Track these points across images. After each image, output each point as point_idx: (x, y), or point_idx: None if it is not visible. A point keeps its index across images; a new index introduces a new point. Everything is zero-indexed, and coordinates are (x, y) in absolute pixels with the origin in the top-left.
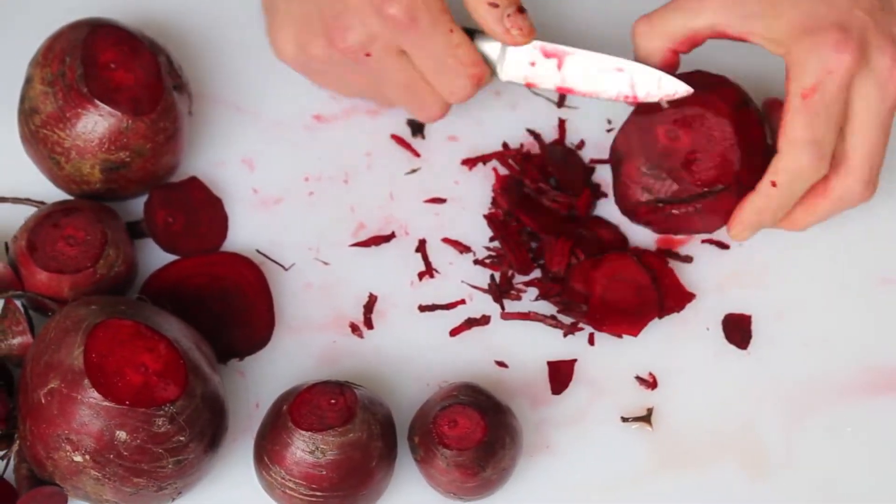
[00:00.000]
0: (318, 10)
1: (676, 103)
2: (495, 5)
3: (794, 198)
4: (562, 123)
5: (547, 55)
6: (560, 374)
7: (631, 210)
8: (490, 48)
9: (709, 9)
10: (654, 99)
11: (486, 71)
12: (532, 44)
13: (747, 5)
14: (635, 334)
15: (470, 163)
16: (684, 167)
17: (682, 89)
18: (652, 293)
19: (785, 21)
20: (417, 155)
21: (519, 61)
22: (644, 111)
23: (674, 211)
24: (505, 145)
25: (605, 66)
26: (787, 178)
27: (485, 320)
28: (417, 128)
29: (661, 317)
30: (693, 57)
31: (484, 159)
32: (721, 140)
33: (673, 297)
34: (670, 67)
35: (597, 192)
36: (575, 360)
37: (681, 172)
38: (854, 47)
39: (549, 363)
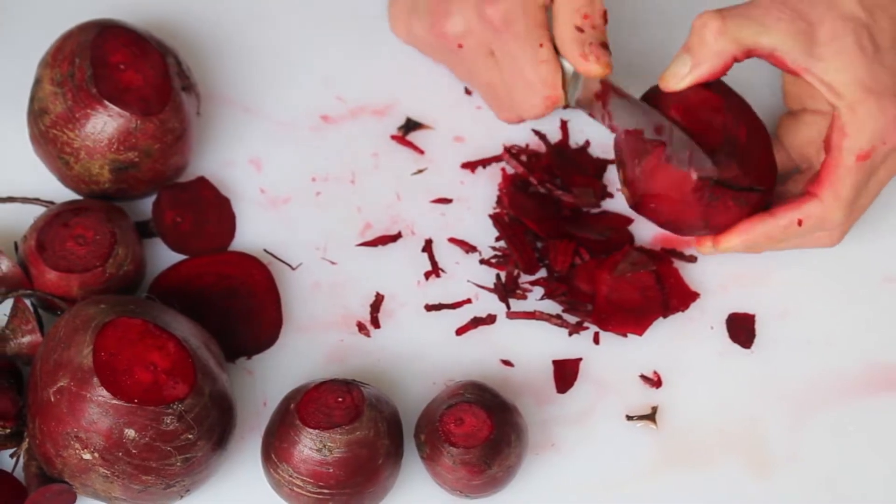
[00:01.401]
0: None
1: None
2: (581, 30)
3: (803, 237)
4: (564, 125)
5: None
6: (565, 373)
7: (641, 196)
8: (569, 72)
9: (779, 31)
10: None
11: (562, 96)
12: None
13: (816, 45)
14: (640, 334)
15: (470, 166)
16: (731, 155)
17: (708, 166)
18: (657, 293)
19: (851, 75)
20: (421, 152)
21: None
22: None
23: (708, 196)
24: (505, 147)
25: (647, 119)
26: (813, 225)
27: (490, 319)
28: (412, 126)
29: (665, 316)
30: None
31: (484, 163)
32: (764, 144)
33: (677, 297)
34: (723, 73)
35: (603, 192)
36: (580, 359)
37: (728, 158)
38: None
39: (555, 362)
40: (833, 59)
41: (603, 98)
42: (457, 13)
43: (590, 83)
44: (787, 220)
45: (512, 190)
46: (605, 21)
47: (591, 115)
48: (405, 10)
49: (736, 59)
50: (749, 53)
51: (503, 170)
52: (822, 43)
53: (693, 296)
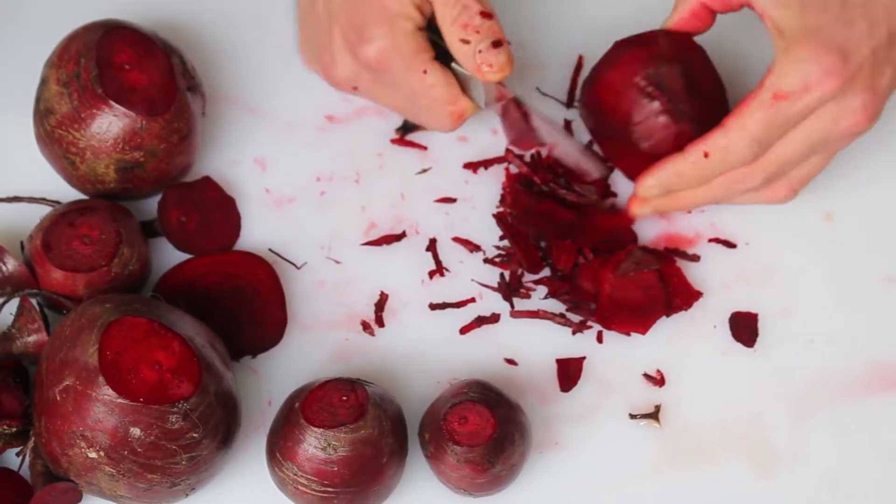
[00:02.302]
0: (315, 38)
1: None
2: (466, 41)
3: (714, 175)
4: (568, 124)
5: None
6: (569, 372)
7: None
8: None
9: None
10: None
11: (466, 105)
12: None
13: None
14: (643, 333)
15: (472, 167)
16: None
17: (596, 174)
18: (660, 292)
19: (801, 21)
20: (424, 148)
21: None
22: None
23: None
24: (508, 150)
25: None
26: (720, 157)
27: (494, 318)
28: (409, 128)
29: (668, 315)
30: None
31: (486, 164)
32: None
33: (681, 296)
34: (702, 23)
35: (606, 191)
36: (584, 358)
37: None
38: (842, 79)
39: (558, 361)
40: (791, 6)
41: (503, 112)
42: (339, 61)
43: (489, 87)
44: (695, 154)
45: (515, 189)
46: (489, 17)
47: (500, 115)
48: (309, 52)
49: (712, 9)
50: (727, 4)
51: (507, 169)
52: None
53: (696, 295)
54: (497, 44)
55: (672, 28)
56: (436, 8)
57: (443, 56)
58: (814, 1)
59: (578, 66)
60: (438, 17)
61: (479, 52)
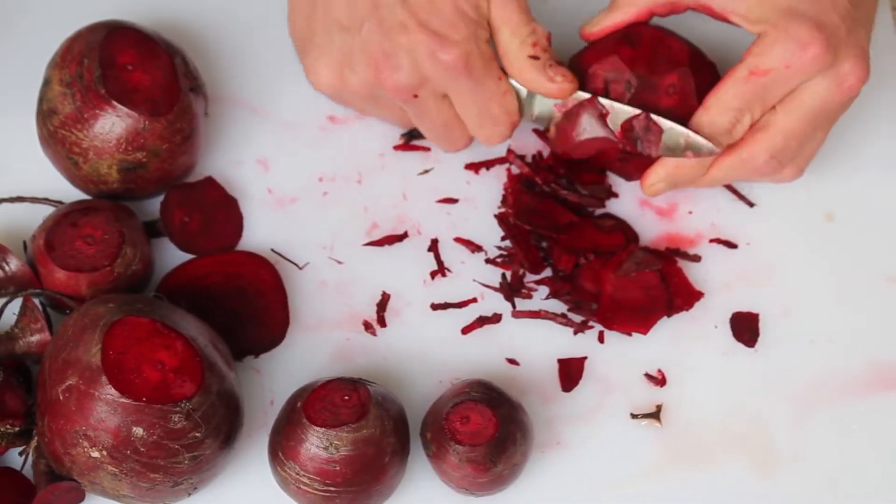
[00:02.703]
0: (363, 46)
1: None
2: (536, 58)
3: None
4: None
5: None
6: (571, 372)
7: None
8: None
9: None
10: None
11: (518, 118)
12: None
13: None
14: (645, 332)
15: (474, 167)
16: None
17: (706, 149)
18: (661, 292)
19: (767, 7)
20: (427, 149)
21: (545, 102)
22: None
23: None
24: (510, 149)
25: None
26: (705, 134)
27: (496, 318)
28: (416, 134)
29: (669, 315)
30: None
31: (487, 164)
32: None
33: (681, 296)
34: (641, 22)
35: (609, 192)
36: (585, 358)
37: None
38: (821, 48)
39: (560, 361)
40: None
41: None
42: (406, 64)
43: (550, 100)
44: (684, 136)
45: (517, 190)
46: (550, 42)
47: (545, 129)
48: (334, 63)
49: (655, 13)
50: (672, 7)
51: (508, 170)
52: None
53: (697, 295)
54: (560, 62)
55: (607, 29)
56: (506, 29)
57: None
58: None
59: None
60: (505, 39)
61: (550, 66)
